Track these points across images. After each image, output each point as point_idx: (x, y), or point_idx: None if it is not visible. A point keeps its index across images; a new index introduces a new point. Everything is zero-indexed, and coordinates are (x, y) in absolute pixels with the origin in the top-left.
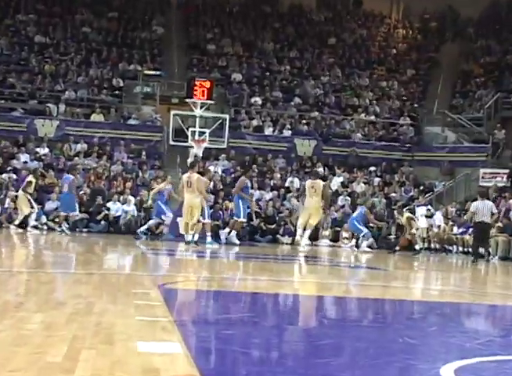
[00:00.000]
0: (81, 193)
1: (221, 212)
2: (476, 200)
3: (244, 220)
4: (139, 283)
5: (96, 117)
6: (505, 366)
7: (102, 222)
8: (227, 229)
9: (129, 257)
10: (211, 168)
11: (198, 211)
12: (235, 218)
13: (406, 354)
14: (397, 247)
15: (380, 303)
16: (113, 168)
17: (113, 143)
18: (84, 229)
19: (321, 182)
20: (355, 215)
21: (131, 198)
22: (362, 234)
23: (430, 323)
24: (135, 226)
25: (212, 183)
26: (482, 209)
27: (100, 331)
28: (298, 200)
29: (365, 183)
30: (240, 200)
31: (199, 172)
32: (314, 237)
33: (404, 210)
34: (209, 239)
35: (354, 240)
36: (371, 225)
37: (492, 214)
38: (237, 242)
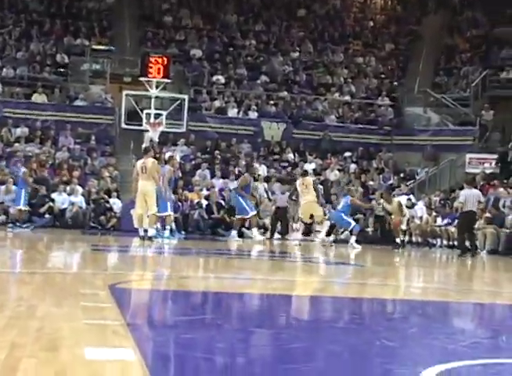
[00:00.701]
0: None
1: (180, 203)
2: (463, 188)
3: (255, 212)
4: (88, 282)
5: (38, 98)
6: (491, 370)
7: (47, 216)
8: (254, 229)
9: (77, 254)
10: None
11: (152, 200)
12: (237, 216)
13: (384, 358)
14: (399, 239)
15: (357, 302)
16: (58, 155)
17: (58, 127)
18: (26, 224)
19: (310, 178)
20: (340, 207)
21: (79, 188)
22: (350, 228)
23: (410, 323)
24: (82, 220)
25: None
26: (470, 198)
27: (43, 337)
28: (292, 199)
29: (339, 170)
30: (240, 197)
31: (154, 158)
32: (284, 231)
33: (393, 195)
34: (167, 233)
35: (324, 234)
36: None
37: (479, 203)
38: (261, 237)
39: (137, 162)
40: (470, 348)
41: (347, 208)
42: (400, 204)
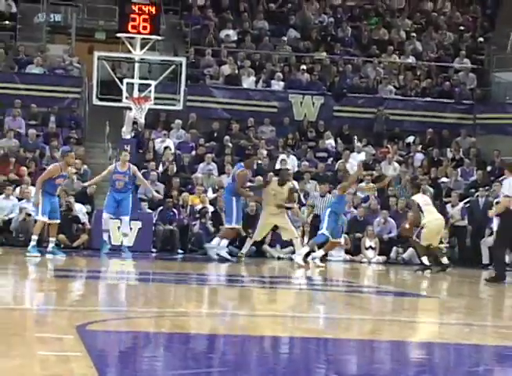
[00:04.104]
0: None
1: (175, 210)
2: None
3: (238, 226)
4: (47, 323)
5: None
6: None
7: None
8: (216, 240)
9: (32, 283)
10: (158, 141)
11: None
12: (226, 224)
13: None
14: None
15: (435, 349)
16: (3, 143)
17: (4, 104)
18: None
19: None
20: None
21: (33, 190)
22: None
23: None
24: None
25: (161, 165)
26: None
27: None
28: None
29: (400, 163)
30: (235, 200)
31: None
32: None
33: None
34: (50, 246)
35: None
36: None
37: None
38: (228, 257)
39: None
40: None
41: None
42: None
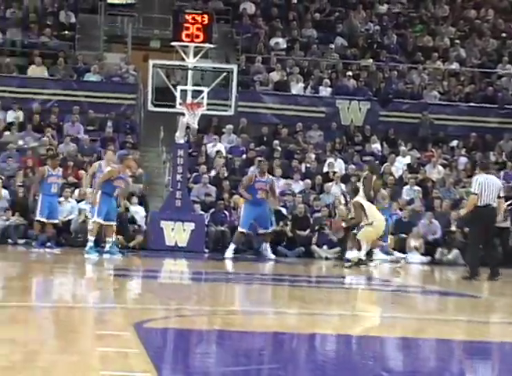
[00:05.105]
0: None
1: (226, 212)
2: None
3: (243, 230)
4: (106, 320)
5: (36, 71)
6: None
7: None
8: (232, 247)
9: (89, 282)
10: (210, 145)
11: None
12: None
13: None
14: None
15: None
16: (62, 148)
17: (63, 110)
18: (21, 241)
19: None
20: None
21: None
22: None
23: None
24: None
25: (213, 170)
26: (487, 188)
27: None
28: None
29: (444, 166)
30: (242, 206)
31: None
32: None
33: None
34: (108, 246)
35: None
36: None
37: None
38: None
39: None
40: None
41: None
42: (360, 206)
